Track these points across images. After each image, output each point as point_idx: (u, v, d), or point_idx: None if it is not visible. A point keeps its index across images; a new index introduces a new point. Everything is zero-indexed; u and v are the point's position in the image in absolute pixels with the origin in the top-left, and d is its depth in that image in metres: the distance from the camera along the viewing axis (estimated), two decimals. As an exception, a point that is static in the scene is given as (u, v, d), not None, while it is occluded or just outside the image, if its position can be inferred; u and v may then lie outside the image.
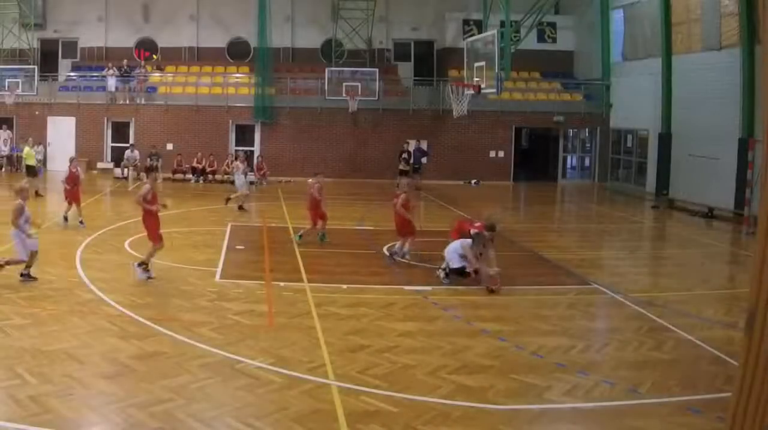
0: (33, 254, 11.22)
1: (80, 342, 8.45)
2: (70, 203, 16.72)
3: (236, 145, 29.50)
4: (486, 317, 10.30)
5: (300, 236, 15.57)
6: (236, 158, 23.32)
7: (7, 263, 11.10)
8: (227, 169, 27.70)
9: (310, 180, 16.11)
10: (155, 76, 30.95)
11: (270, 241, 15.82)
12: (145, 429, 6.36)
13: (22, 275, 11.16)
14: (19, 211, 11.03)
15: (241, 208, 20.06)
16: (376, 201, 23.10)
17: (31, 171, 23.26)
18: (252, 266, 13.19)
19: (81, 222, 16.46)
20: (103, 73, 29.70)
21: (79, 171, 16.96)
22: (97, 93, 29.27)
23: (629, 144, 29.37)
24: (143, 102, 29.49)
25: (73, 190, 16.61)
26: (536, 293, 11.82)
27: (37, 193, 20.91)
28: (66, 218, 16.67)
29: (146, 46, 32.48)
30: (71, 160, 17.28)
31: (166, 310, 10.12)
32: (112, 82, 29.15)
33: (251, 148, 29.53)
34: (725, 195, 21.40)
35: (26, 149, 23.86)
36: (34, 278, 11.21)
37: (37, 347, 8.19)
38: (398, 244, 14.02)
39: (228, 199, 20.44)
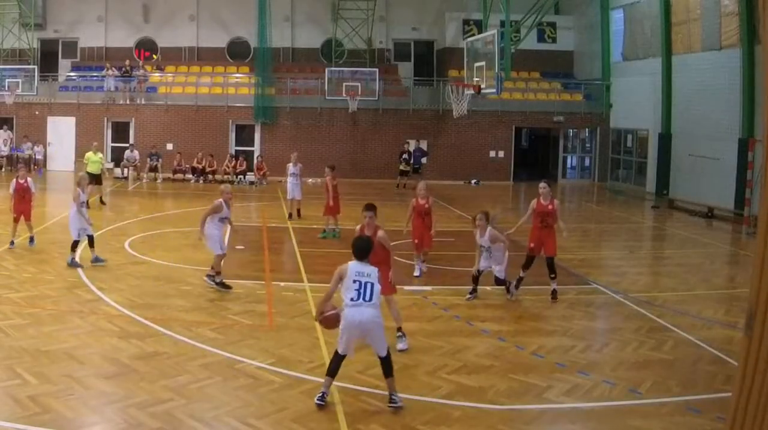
0: (218, 257, 11.24)
1: (80, 342, 8.45)
2: (16, 220, 13.80)
3: (236, 145, 29.54)
4: (486, 317, 10.30)
5: (330, 233, 16.11)
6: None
7: (217, 273, 11.21)
8: (227, 169, 27.75)
9: (328, 170, 16.51)
10: (155, 76, 30.96)
11: (270, 241, 15.82)
12: (145, 429, 6.36)
13: (207, 275, 11.29)
14: (213, 210, 11.20)
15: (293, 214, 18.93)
16: (376, 201, 23.10)
17: (96, 179, 19.81)
18: (252, 266, 13.18)
19: (32, 239, 14.01)
20: (103, 73, 29.71)
21: (28, 183, 13.99)
22: (97, 93, 29.29)
23: (629, 144, 29.40)
24: (143, 102, 29.50)
25: (20, 204, 13.82)
26: (536, 293, 11.81)
27: (101, 201, 20.12)
28: (12, 242, 13.67)
29: (146, 46, 32.51)
30: (19, 170, 14.61)
31: (166, 310, 10.11)
32: (111, 83, 29.15)
33: (251, 148, 29.55)
34: (725, 195, 21.41)
35: (88, 155, 21.57)
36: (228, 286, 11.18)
37: (37, 347, 8.18)
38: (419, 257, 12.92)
39: (291, 214, 18.87)
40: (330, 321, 7.12)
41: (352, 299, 6.87)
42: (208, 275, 11.26)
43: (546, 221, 11.29)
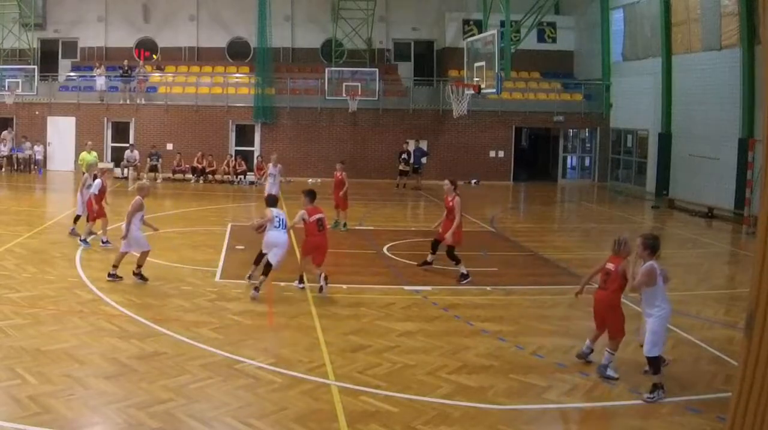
0: (144, 254, 11.46)
1: (80, 342, 8.45)
2: (94, 220, 14.42)
3: (236, 145, 29.54)
4: (486, 317, 10.30)
5: (345, 225, 16.91)
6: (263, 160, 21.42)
7: (139, 266, 11.44)
8: (227, 168, 27.75)
9: (338, 165, 17.52)
10: (155, 76, 30.94)
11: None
12: (145, 429, 6.36)
13: (134, 273, 11.44)
14: (137, 207, 11.40)
15: None
16: (376, 201, 23.11)
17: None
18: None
19: (107, 241, 14.25)
20: (92, 72, 29.71)
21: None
22: (98, 93, 29.26)
23: (629, 144, 29.41)
24: (143, 102, 29.48)
25: (101, 204, 14.44)
26: (536, 293, 11.82)
27: None
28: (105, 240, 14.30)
29: (146, 46, 32.49)
30: (103, 172, 15.26)
31: (166, 310, 10.11)
32: (101, 82, 29.11)
33: (251, 149, 29.55)
34: (725, 195, 21.41)
35: (83, 155, 21.17)
36: (120, 278, 11.42)
37: (37, 347, 8.18)
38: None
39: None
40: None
41: (276, 227, 11.02)
42: (136, 274, 11.43)
43: (447, 215, 12.52)
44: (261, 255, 11.30)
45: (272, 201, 11.68)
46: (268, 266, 10.87)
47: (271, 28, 30.18)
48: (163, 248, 14.04)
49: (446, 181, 12.80)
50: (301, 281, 11.45)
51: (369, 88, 29.13)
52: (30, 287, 10.86)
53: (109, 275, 11.41)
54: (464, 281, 12.15)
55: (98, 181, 14.53)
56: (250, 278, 11.57)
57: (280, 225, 11.02)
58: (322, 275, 11.07)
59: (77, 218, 15.09)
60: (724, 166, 21.94)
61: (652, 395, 7.41)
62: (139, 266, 11.40)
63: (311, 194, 11.40)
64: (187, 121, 29.14)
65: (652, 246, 7.77)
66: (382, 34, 33.10)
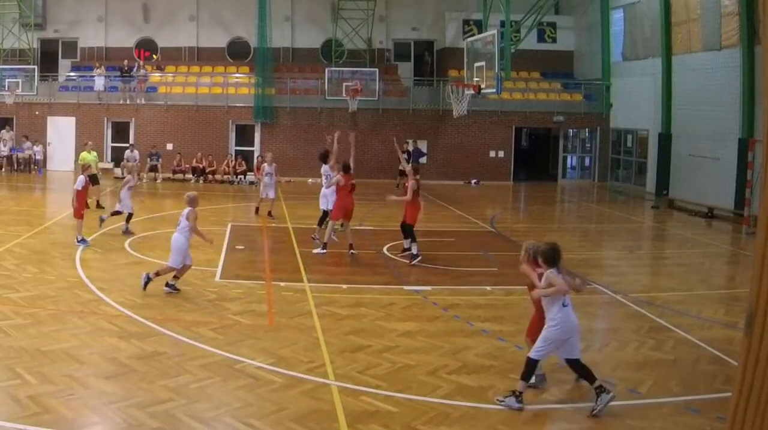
0: (168, 269, 10.92)
1: (80, 342, 8.45)
2: (81, 216, 14.50)
3: (236, 145, 29.54)
4: (486, 317, 10.30)
5: (342, 225, 16.69)
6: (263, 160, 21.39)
7: (157, 274, 10.85)
8: (227, 168, 27.74)
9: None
10: (155, 76, 30.94)
11: (270, 241, 15.83)
12: (145, 429, 6.36)
13: (167, 285, 10.88)
14: (196, 217, 10.89)
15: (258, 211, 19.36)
16: (376, 201, 23.09)
17: (92, 178, 18.43)
18: (252, 266, 13.18)
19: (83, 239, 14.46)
20: (92, 72, 29.71)
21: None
22: (96, 93, 29.25)
23: (629, 144, 29.41)
24: (143, 102, 29.48)
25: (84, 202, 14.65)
26: (536, 293, 11.79)
27: (98, 205, 19.04)
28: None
29: (146, 46, 32.49)
30: (84, 168, 15.41)
31: (166, 310, 10.11)
32: (100, 82, 29.10)
33: (251, 149, 29.55)
34: (725, 195, 21.41)
35: (83, 154, 21.11)
36: (178, 290, 10.93)
37: (37, 347, 8.18)
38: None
39: (257, 209, 19.39)
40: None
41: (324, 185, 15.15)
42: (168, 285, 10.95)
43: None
44: (325, 215, 14.64)
45: (323, 157, 15.00)
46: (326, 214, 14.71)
47: (271, 28, 30.20)
48: (163, 248, 14.03)
49: (408, 166, 14.91)
50: (324, 247, 13.98)
51: (369, 88, 29.13)
52: (30, 287, 10.85)
53: (168, 285, 10.95)
54: (415, 261, 13.27)
55: (81, 177, 14.61)
56: (315, 238, 14.97)
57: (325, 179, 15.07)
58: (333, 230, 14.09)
59: (130, 216, 15.83)
60: (724, 166, 21.94)
61: (502, 398, 7.09)
62: (157, 274, 10.87)
63: (347, 167, 14.20)
64: (187, 121, 29.14)
65: (544, 255, 7.41)
66: (382, 34, 33.11)
